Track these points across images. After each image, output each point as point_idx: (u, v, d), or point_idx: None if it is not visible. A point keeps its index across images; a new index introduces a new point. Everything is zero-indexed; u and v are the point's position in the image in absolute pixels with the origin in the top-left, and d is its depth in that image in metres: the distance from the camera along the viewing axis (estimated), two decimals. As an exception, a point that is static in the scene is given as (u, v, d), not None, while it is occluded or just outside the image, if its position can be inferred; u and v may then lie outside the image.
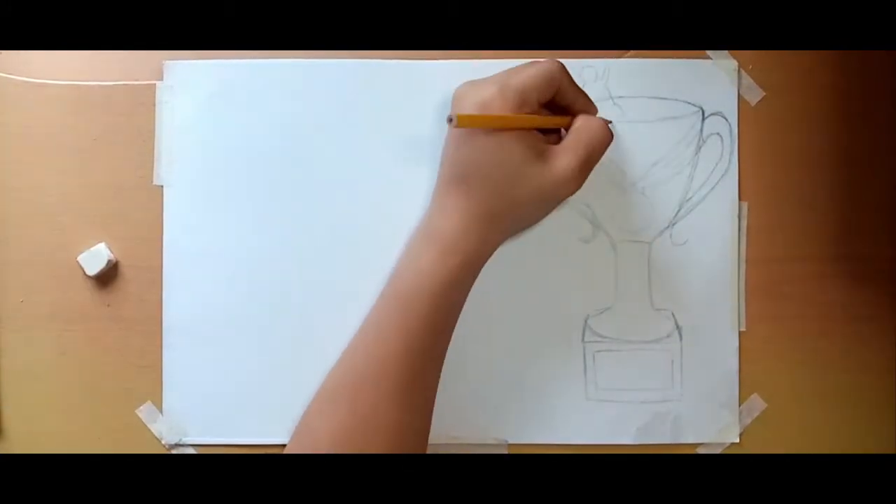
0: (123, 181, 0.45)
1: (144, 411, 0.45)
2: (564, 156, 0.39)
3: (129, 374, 0.45)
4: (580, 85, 0.46)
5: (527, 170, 0.38)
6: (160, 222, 0.45)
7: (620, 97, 0.46)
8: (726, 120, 0.46)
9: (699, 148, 0.46)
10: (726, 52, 0.46)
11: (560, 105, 0.41)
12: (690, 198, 0.46)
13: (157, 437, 0.45)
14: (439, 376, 0.41)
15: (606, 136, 0.40)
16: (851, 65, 0.46)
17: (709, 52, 0.46)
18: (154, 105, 0.46)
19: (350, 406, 0.38)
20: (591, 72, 0.46)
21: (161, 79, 0.46)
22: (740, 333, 0.45)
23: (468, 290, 0.41)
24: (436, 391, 0.41)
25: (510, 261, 0.45)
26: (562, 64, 0.40)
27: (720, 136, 0.46)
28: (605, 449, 0.45)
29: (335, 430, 0.38)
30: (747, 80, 0.46)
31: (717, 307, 0.45)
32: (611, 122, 0.43)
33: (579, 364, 0.45)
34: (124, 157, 0.45)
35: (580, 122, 0.40)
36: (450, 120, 0.36)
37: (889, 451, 0.45)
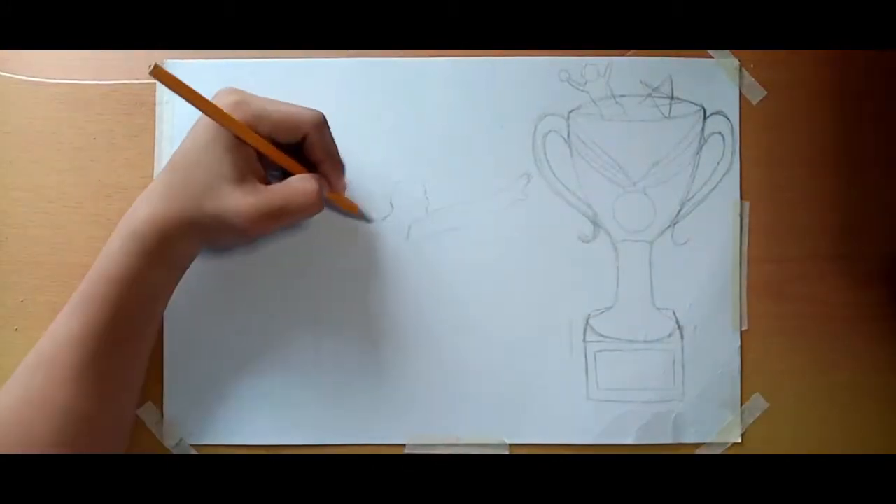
0: (123, 181, 0.45)
1: (144, 411, 0.45)
2: (258, 197, 0.38)
3: (130, 373, 0.45)
4: (581, 84, 0.46)
5: (222, 186, 0.38)
6: (160, 222, 0.45)
7: (622, 95, 0.45)
8: (728, 119, 0.46)
9: (700, 147, 0.46)
10: (728, 51, 0.46)
11: (307, 159, 0.41)
12: (692, 197, 0.46)
13: (157, 437, 0.45)
14: (136, 372, 0.40)
15: (308, 204, 0.39)
16: (852, 64, 0.46)
17: (710, 51, 0.46)
18: (154, 105, 0.46)
19: (25, 384, 0.37)
20: (592, 70, 0.46)
21: (161, 78, 0.46)
22: (742, 333, 0.45)
23: (156, 288, 0.40)
24: (127, 385, 0.40)
25: (511, 260, 0.45)
26: (320, 120, 0.40)
27: (722, 136, 0.46)
28: (606, 449, 0.45)
29: (6, 407, 0.37)
30: (749, 79, 0.46)
31: (718, 307, 0.45)
32: (369, 220, 0.44)
33: (580, 364, 0.45)
34: (124, 157, 0.45)
35: (297, 177, 0.40)
36: (149, 67, 0.34)
37: (891, 451, 0.45)
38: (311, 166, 0.42)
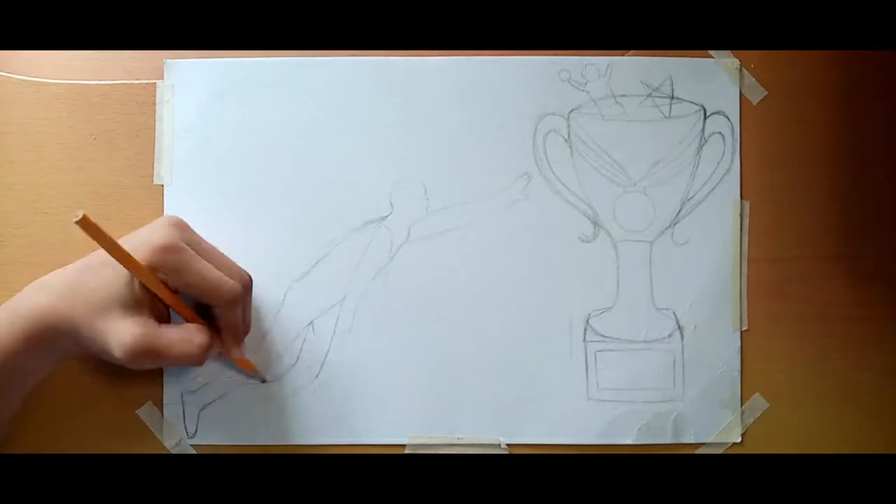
0: (123, 181, 0.45)
1: (144, 411, 0.45)
2: (137, 329, 0.37)
3: (129, 374, 0.45)
4: (581, 84, 0.46)
5: (115, 308, 0.37)
6: (160, 222, 0.45)
7: (622, 95, 0.45)
8: (728, 119, 0.46)
9: (701, 147, 0.46)
10: (728, 51, 0.46)
11: (216, 323, 0.40)
12: (692, 197, 0.46)
13: (157, 437, 0.45)
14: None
15: (188, 356, 0.38)
16: (853, 64, 0.46)
17: (711, 51, 0.46)
18: (154, 104, 0.46)
19: None
20: (592, 69, 0.46)
21: (161, 78, 0.46)
22: (742, 333, 0.45)
23: (32, 373, 0.40)
24: None
25: (510, 260, 0.45)
26: (238, 298, 0.39)
27: (722, 136, 0.46)
28: (606, 449, 0.45)
29: None
30: (749, 79, 0.46)
31: (718, 307, 0.45)
32: (258, 377, 0.44)
33: (580, 364, 0.45)
34: (124, 157, 0.45)
35: (190, 327, 0.39)
36: (75, 216, 0.34)
37: (891, 451, 0.45)
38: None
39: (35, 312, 0.37)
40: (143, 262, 0.37)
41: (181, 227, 0.40)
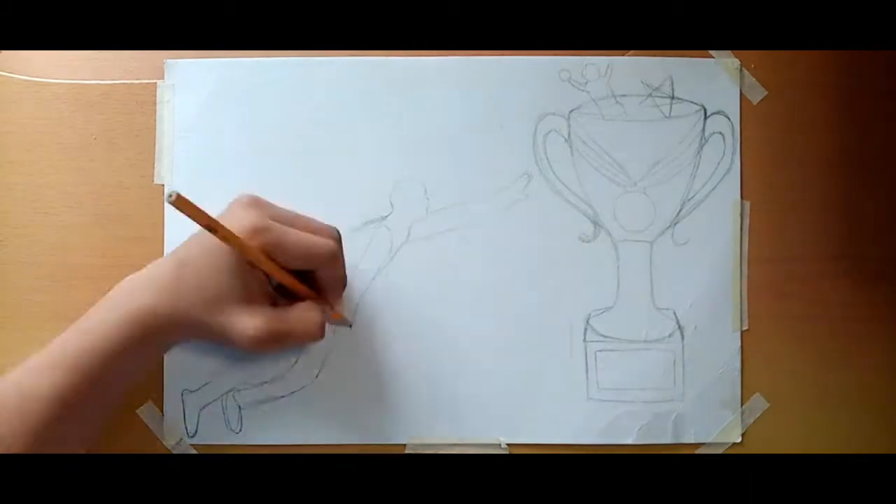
0: (124, 180, 0.45)
1: (144, 411, 0.45)
2: (264, 320, 0.38)
3: (130, 373, 0.45)
4: (581, 84, 0.46)
5: (229, 302, 0.37)
6: (160, 222, 0.45)
7: (623, 95, 0.45)
8: (728, 119, 0.46)
9: (701, 147, 0.46)
10: (728, 51, 0.46)
11: (318, 284, 0.41)
12: (692, 197, 0.45)
13: (157, 437, 0.45)
14: (95, 433, 0.39)
15: (311, 334, 0.39)
16: (853, 64, 0.46)
17: (711, 51, 0.46)
18: (154, 104, 0.46)
19: None
20: (593, 69, 0.46)
21: (162, 78, 0.46)
22: (742, 333, 0.45)
23: (143, 371, 0.40)
24: (82, 445, 0.39)
25: (511, 260, 0.45)
26: (335, 251, 0.39)
27: (722, 135, 0.46)
28: (607, 449, 0.45)
29: None
30: (749, 79, 0.46)
31: (718, 307, 0.45)
32: (346, 323, 0.44)
33: (580, 364, 0.45)
34: (124, 157, 0.45)
35: (302, 306, 0.39)
36: (169, 196, 0.33)
37: (891, 451, 0.45)
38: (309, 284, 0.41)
39: (139, 314, 0.37)
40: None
41: (259, 203, 0.39)
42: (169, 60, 0.46)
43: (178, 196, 0.33)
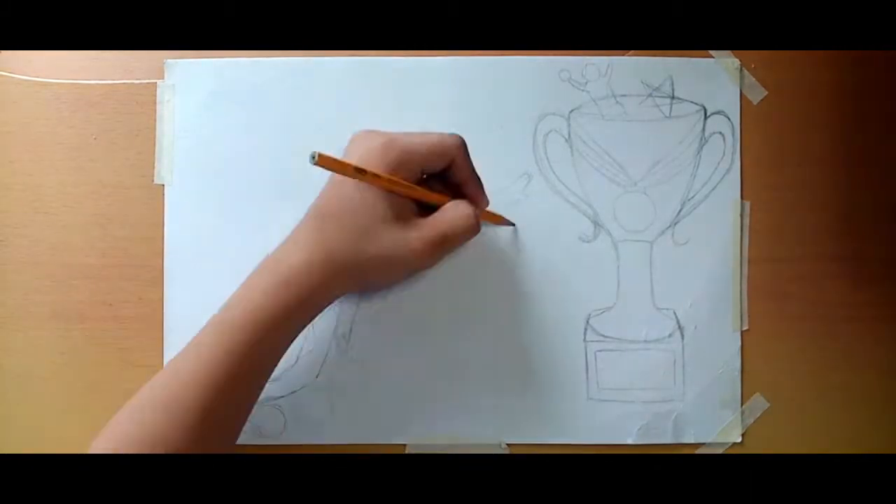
0: (124, 180, 0.45)
1: (145, 411, 0.44)
2: (421, 230, 0.39)
3: (129, 374, 0.45)
4: (581, 84, 0.46)
5: (381, 228, 0.38)
6: (161, 221, 0.45)
7: (623, 95, 0.45)
8: (728, 119, 0.46)
9: (701, 147, 0.46)
10: (728, 51, 0.46)
11: (451, 182, 0.42)
12: (692, 197, 0.45)
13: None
14: (247, 412, 0.39)
15: (468, 227, 0.40)
16: (853, 64, 0.46)
17: (711, 51, 0.46)
18: (154, 104, 0.46)
19: (140, 421, 0.36)
20: (593, 69, 0.46)
21: (162, 78, 0.46)
22: (742, 333, 0.45)
23: (296, 332, 0.39)
24: (243, 419, 0.39)
25: (511, 260, 0.45)
26: (462, 142, 0.40)
27: (722, 135, 0.46)
28: (607, 449, 0.45)
29: (121, 443, 0.35)
30: (750, 78, 0.46)
31: (718, 306, 0.45)
32: (511, 224, 0.44)
33: (581, 364, 0.45)
34: (125, 157, 0.45)
35: (451, 204, 0.41)
36: (312, 157, 0.35)
37: (891, 451, 0.45)
38: (453, 191, 0.42)
39: (303, 275, 0.37)
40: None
41: (374, 131, 0.40)
42: (169, 60, 0.46)
43: (321, 155, 0.35)
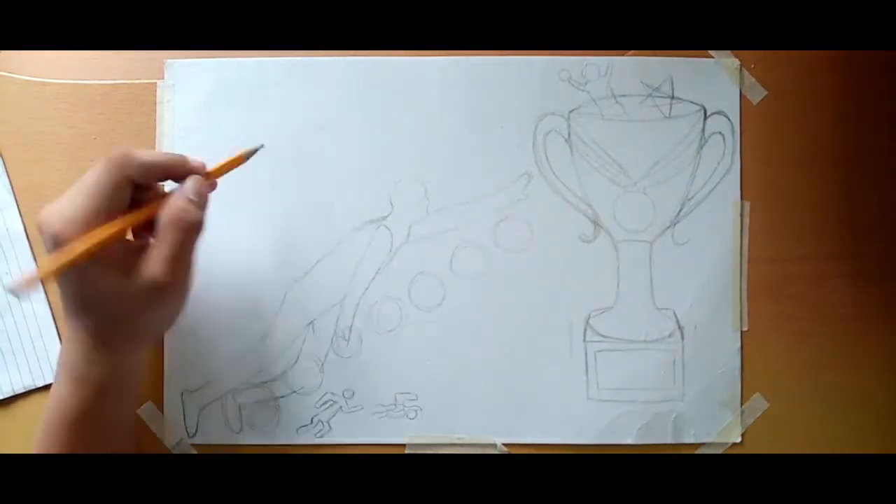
0: (124, 180, 0.45)
1: (144, 411, 0.45)
2: (150, 262, 0.35)
3: (130, 373, 0.45)
4: (581, 84, 0.46)
5: (119, 290, 0.35)
6: (160, 222, 0.45)
7: (623, 95, 0.45)
8: (728, 119, 0.46)
9: (701, 147, 0.46)
10: (728, 51, 0.46)
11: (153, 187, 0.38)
12: (692, 197, 0.45)
13: (157, 437, 0.45)
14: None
15: (186, 221, 0.36)
16: (853, 65, 0.46)
17: (711, 51, 0.46)
18: (154, 104, 0.46)
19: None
20: (593, 69, 0.46)
21: (162, 77, 0.46)
22: (742, 333, 0.45)
23: (119, 411, 0.39)
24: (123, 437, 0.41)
25: (511, 260, 0.45)
26: (123, 156, 0.36)
27: (722, 135, 0.46)
28: (606, 449, 0.45)
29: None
30: (749, 79, 0.46)
31: (718, 307, 0.45)
32: (257, 149, 0.40)
33: (580, 364, 0.45)
34: (124, 157, 0.45)
35: (162, 213, 0.36)
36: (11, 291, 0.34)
37: (891, 451, 0.45)
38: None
39: (103, 379, 0.37)
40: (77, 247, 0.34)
41: (43, 215, 0.36)
42: (169, 60, 0.46)
43: (11, 287, 0.34)
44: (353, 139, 0.45)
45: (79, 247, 0.34)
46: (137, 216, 0.37)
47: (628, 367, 0.45)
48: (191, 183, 0.38)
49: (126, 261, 0.36)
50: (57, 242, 0.34)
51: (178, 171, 0.38)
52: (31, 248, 0.45)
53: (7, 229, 0.45)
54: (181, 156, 0.39)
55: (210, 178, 0.39)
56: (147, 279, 0.35)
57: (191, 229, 0.37)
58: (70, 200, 0.36)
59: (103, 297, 0.36)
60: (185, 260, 0.37)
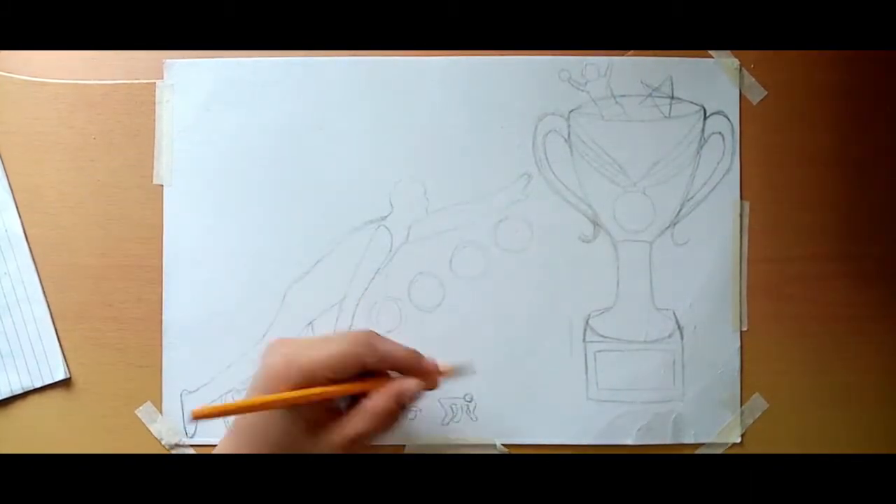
0: (123, 180, 0.45)
1: (144, 411, 0.45)
2: (336, 434, 0.37)
3: (129, 374, 0.45)
4: (581, 84, 0.46)
5: (297, 443, 0.37)
6: (160, 222, 0.45)
7: (622, 95, 0.45)
8: (728, 119, 0.46)
9: (700, 147, 0.46)
10: (728, 51, 0.46)
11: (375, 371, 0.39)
12: (692, 197, 0.45)
13: (157, 438, 0.45)
14: None
15: (386, 420, 0.37)
16: (852, 65, 0.46)
17: (711, 51, 0.46)
18: (154, 104, 0.46)
19: None
20: (592, 69, 0.46)
21: (161, 78, 0.46)
22: (742, 333, 0.45)
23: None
24: None
25: (510, 260, 0.45)
26: (368, 338, 0.38)
27: (722, 136, 0.46)
28: (606, 449, 0.45)
29: None
30: (749, 79, 0.46)
31: (718, 307, 0.45)
32: (473, 372, 0.41)
33: (580, 364, 0.45)
34: (124, 157, 0.45)
35: (368, 403, 0.37)
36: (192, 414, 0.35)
37: (891, 451, 0.45)
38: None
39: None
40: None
41: (276, 346, 0.39)
42: (168, 60, 0.46)
43: (194, 412, 0.35)
44: (353, 139, 0.45)
45: (312, 393, 0.36)
46: (354, 388, 0.38)
47: (628, 368, 0.45)
48: (412, 389, 0.38)
49: (316, 416, 0.37)
50: (305, 377, 0.36)
51: (409, 368, 0.39)
52: (30, 249, 0.45)
53: (6, 230, 0.45)
54: (416, 355, 0.39)
55: (430, 382, 0.39)
56: (327, 446, 0.37)
57: (388, 428, 0.38)
58: (317, 350, 0.37)
59: (281, 442, 0.37)
60: (365, 445, 0.38)
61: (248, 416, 0.37)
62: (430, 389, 0.39)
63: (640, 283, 0.45)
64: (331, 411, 0.38)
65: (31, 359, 0.45)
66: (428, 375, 0.39)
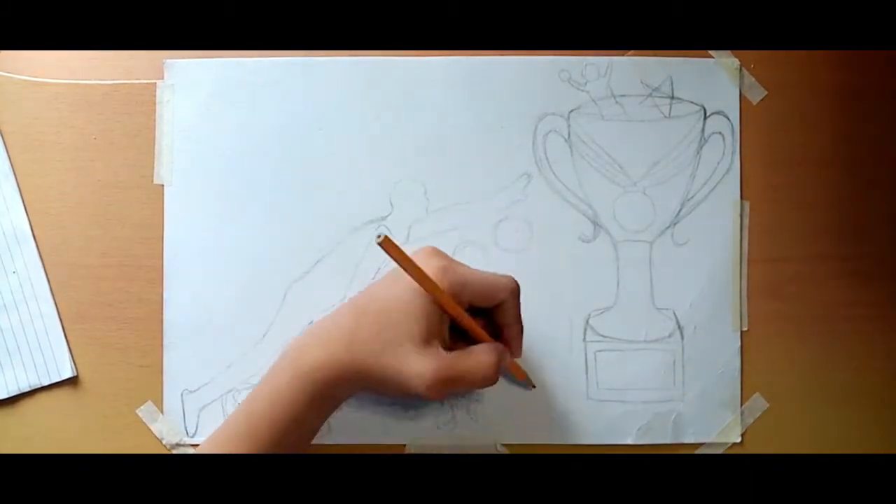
0: (123, 180, 0.45)
1: (144, 411, 0.45)
2: (440, 363, 0.37)
3: (129, 374, 0.45)
4: (581, 84, 0.46)
5: (408, 347, 0.37)
6: (160, 221, 0.45)
7: (622, 95, 0.45)
8: (728, 119, 0.46)
9: (701, 147, 0.46)
10: (728, 51, 0.46)
11: (494, 321, 0.41)
12: (692, 197, 0.46)
13: (157, 437, 0.45)
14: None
15: (486, 377, 0.38)
16: (852, 64, 0.46)
17: (711, 51, 0.46)
18: (154, 104, 0.46)
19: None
20: (592, 69, 0.46)
21: (161, 78, 0.46)
22: (742, 333, 0.45)
23: (317, 428, 0.41)
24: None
25: (511, 260, 0.45)
26: (516, 287, 0.40)
27: (722, 135, 0.46)
28: (606, 449, 0.45)
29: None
30: (749, 78, 0.46)
31: (718, 307, 0.45)
32: (533, 386, 0.44)
33: (580, 364, 0.45)
34: (124, 157, 0.45)
35: (479, 348, 0.39)
36: (378, 236, 0.35)
37: (891, 451, 0.45)
38: (493, 330, 0.41)
39: (320, 371, 0.37)
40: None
41: (441, 252, 0.40)
42: (168, 60, 0.46)
43: (386, 238, 0.34)
44: (353, 139, 0.45)
45: (445, 292, 0.37)
46: (479, 329, 0.40)
47: (628, 367, 0.45)
48: (510, 348, 0.41)
49: (434, 336, 0.38)
50: (454, 286, 0.38)
51: (511, 337, 0.41)
52: (38, 247, 0.45)
53: (14, 228, 0.45)
54: (520, 335, 0.42)
55: (517, 371, 0.43)
56: (418, 366, 0.37)
57: (472, 384, 0.39)
58: (472, 270, 0.39)
59: (403, 335, 0.37)
60: (451, 391, 0.39)
61: (385, 297, 0.38)
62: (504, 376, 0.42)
63: (640, 283, 0.45)
64: (442, 338, 0.39)
65: (38, 356, 0.45)
66: (515, 366, 0.42)
